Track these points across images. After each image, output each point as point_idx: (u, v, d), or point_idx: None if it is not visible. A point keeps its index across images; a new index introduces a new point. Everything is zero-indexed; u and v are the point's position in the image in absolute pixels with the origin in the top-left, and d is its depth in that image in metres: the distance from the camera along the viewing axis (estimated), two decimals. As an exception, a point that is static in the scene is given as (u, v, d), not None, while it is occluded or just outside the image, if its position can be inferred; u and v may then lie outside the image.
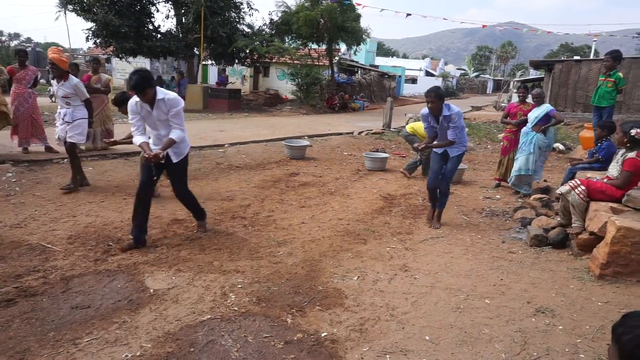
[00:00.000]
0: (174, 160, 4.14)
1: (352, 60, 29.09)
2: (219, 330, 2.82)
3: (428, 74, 52.10)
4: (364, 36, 20.32)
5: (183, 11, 19.33)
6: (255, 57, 21.24)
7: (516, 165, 6.60)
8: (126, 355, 2.54)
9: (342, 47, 22.61)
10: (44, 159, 7.26)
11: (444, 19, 24.64)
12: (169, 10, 20.23)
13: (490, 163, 9.42)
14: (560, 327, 3.02)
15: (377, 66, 37.76)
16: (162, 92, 3.94)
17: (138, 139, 4.03)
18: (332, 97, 20.89)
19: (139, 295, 3.22)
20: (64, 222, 4.64)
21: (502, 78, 62.96)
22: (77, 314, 2.95)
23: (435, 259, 4.20)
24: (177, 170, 4.25)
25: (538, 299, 3.42)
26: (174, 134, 4.00)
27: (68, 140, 5.77)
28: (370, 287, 3.54)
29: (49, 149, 7.66)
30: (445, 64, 70.72)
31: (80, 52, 37.55)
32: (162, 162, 4.05)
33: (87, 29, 18.59)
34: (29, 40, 59.02)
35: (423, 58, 74.91)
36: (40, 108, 8.02)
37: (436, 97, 4.69)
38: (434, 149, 5.14)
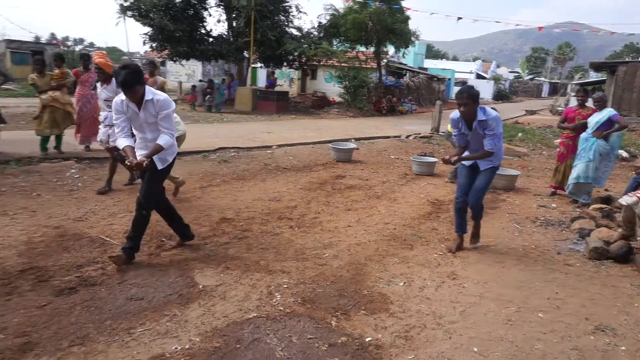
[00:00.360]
0: (159, 166, 3.77)
1: (401, 63, 28.76)
2: (264, 329, 2.86)
3: (479, 76, 50.63)
4: (412, 38, 20.05)
5: (234, 15, 19.84)
6: (303, 60, 21.46)
7: (574, 173, 6.27)
8: (175, 348, 2.62)
9: (391, 49, 22.43)
10: (104, 156, 7.65)
11: (497, 21, 23.93)
12: (221, 15, 20.85)
13: (545, 170, 9.01)
14: (623, 348, 2.84)
15: (426, 69, 37.12)
16: (151, 92, 3.59)
17: (121, 142, 3.66)
18: (379, 100, 20.74)
19: (189, 290, 3.33)
20: (121, 217, 4.87)
21: (558, 81, 60.18)
22: (132, 304, 3.08)
23: (485, 268, 4.07)
24: (155, 177, 3.81)
25: (597, 316, 3.23)
26: (162, 140, 3.61)
27: (111, 144, 5.72)
28: (417, 294, 3.48)
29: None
30: (498, 66, 68.42)
31: (137, 55, 39.40)
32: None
33: (144, 34, 19.51)
34: (92, 44, 62.58)
35: (474, 60, 72.87)
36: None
37: (469, 99, 3.94)
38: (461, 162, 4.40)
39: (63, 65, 7.92)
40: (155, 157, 3.72)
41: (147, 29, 19.18)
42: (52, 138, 7.59)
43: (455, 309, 3.27)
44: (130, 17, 19.20)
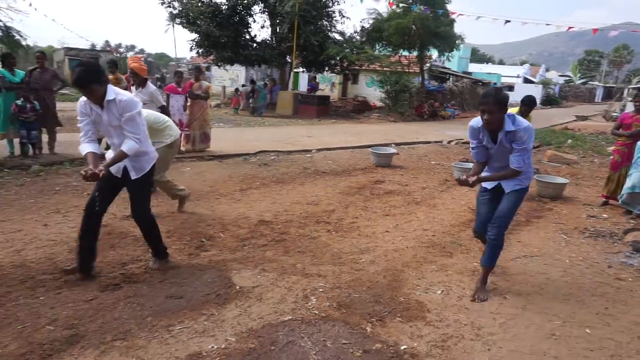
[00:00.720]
0: (133, 176, 3.44)
1: (444, 67, 28.25)
2: (299, 332, 2.87)
3: (527, 80, 48.91)
4: (457, 42, 19.68)
5: (278, 21, 20.17)
6: (345, 65, 21.51)
7: (629, 182, 5.92)
8: (212, 347, 2.68)
9: (434, 53, 22.07)
10: (150, 158, 7.97)
11: (547, 24, 23.03)
12: (265, 21, 21.27)
13: (597, 179, 8.57)
14: (679, 369, 2.65)
15: (470, 73, 36.28)
16: (113, 92, 3.20)
17: (83, 148, 3.28)
18: (421, 104, 20.44)
19: (226, 290, 3.39)
20: (164, 217, 5.03)
21: (614, 85, 57.14)
22: (171, 303, 3.17)
23: (528, 279, 3.91)
24: (136, 188, 3.52)
25: (651, 334, 3.03)
26: (126, 146, 3.26)
27: None
28: (455, 303, 3.39)
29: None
30: (547, 70, 65.83)
31: (184, 61, 40.79)
32: (119, 177, 3.43)
33: (191, 40, 20.19)
34: (142, 51, 65.53)
35: (522, 64, 70.47)
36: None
37: (495, 104, 3.15)
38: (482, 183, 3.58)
39: (116, 71, 8.32)
40: (128, 165, 3.41)
41: (194, 36, 19.85)
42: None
43: (495, 320, 3.16)
44: (178, 24, 19.95)
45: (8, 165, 6.75)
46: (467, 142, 12.56)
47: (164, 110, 6.22)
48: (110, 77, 8.19)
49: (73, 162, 7.27)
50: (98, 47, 46.24)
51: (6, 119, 7.14)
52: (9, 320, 2.85)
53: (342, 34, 21.28)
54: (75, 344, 2.65)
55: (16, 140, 7.32)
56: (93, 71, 3.10)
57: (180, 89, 8.51)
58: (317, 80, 23.69)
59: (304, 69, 22.77)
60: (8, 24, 23.34)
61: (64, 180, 6.36)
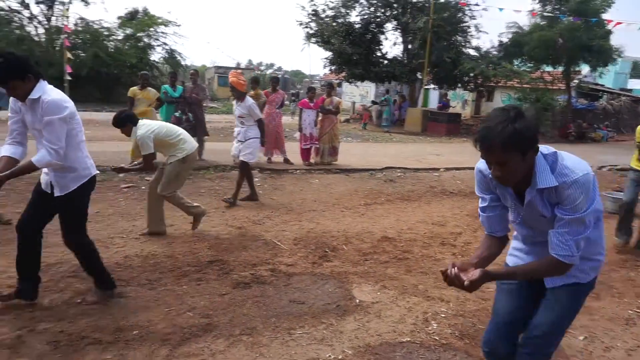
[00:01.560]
0: (56, 192, 2.92)
1: (596, 84, 25.21)
2: (416, 356, 2.76)
3: None
4: (614, 56, 17.43)
5: (410, 38, 20.12)
6: (479, 81, 20.52)
7: None
8: (329, 356, 2.72)
9: (584, 68, 19.86)
10: (282, 168, 8.52)
11: None
12: (397, 38, 21.41)
13: None
14: None
15: (630, 90, 31.78)
16: (40, 90, 2.72)
17: (2, 150, 2.84)
18: (566, 125, 18.50)
19: (346, 302, 3.42)
20: (292, 225, 5.30)
21: None
22: (294, 307, 3.31)
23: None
24: (61, 208, 2.98)
25: None
26: (36, 156, 2.76)
27: (240, 158, 6.02)
28: (601, 354, 2.95)
29: (286, 161, 8.95)
30: None
31: (317, 77, 42.92)
32: (48, 192, 2.95)
33: (324, 58, 21.24)
34: (279, 68, 70.53)
35: (699, 80, 59.55)
36: (283, 125, 9.43)
37: (505, 147, 1.63)
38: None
39: (257, 87, 9.09)
40: (53, 181, 2.93)
41: (328, 54, 20.82)
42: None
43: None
44: (314, 43, 21.13)
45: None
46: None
47: (260, 124, 6.07)
48: (252, 92, 8.96)
49: (217, 168, 8.08)
50: (242, 65, 51.10)
51: (167, 128, 8.25)
52: (159, 303, 3.25)
53: (477, 49, 20.39)
54: (209, 332, 2.91)
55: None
56: (12, 65, 2.64)
57: (312, 104, 8.94)
58: (448, 97, 22.97)
59: (435, 86, 22.29)
60: (172, 47, 27.05)
61: (209, 184, 7.10)
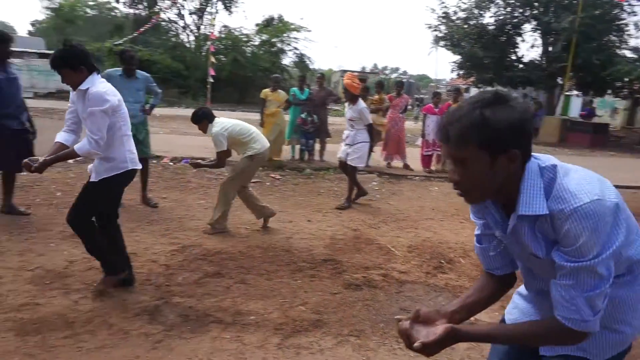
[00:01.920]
0: (91, 178, 3.08)
1: None
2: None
3: None
4: None
5: (551, 39, 18.37)
6: (636, 87, 17.92)
7: None
8: (439, 373, 2.60)
9: None
10: (401, 174, 8.42)
11: None
12: (535, 40, 19.68)
13: None
14: None
15: None
16: (90, 82, 2.89)
17: (57, 136, 3.05)
18: None
19: (460, 318, 3.24)
20: (407, 232, 5.19)
21: None
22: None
23: None
24: (87, 192, 3.10)
25: None
26: (79, 144, 2.94)
27: (349, 162, 5.92)
28: None
29: (406, 166, 8.82)
30: None
31: (443, 82, 41.50)
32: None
33: (453, 62, 20.41)
34: (404, 72, 69.70)
35: None
36: (405, 130, 9.30)
37: (462, 136, 1.17)
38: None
39: (382, 91, 9.11)
40: (93, 166, 3.10)
41: (457, 57, 19.99)
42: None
43: None
44: (442, 46, 20.47)
45: (289, 167, 8.18)
46: None
47: (370, 129, 6.00)
48: (375, 96, 9.01)
49: (336, 169, 8.26)
50: (367, 69, 51.62)
51: (292, 128, 8.71)
52: (275, 293, 3.43)
53: (636, 50, 17.80)
54: (318, 328, 2.98)
55: (297, 146, 8.85)
56: (68, 55, 2.86)
57: (437, 110, 8.67)
58: (594, 105, 20.49)
59: (578, 92, 20.04)
60: (302, 52, 28.45)
61: (328, 184, 7.31)
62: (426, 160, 8.79)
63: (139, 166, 3.25)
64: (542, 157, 1.26)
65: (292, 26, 27.36)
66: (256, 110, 10.20)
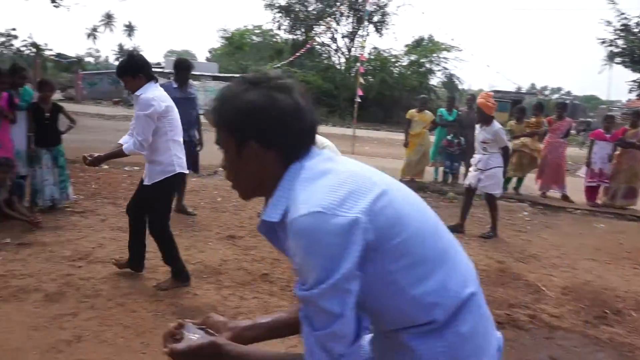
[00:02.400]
0: (145, 182, 3.31)
1: None
2: None
3: None
4: None
5: None
6: None
7: None
8: None
9: None
10: (559, 205, 7.53)
11: None
12: None
13: None
14: None
15: None
16: (144, 89, 3.16)
17: (120, 139, 3.39)
18: None
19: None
20: (562, 271, 4.60)
21: None
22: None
23: None
24: (145, 194, 3.34)
25: None
26: (127, 143, 3.23)
27: (482, 190, 5.57)
28: None
29: (565, 198, 7.86)
30: None
31: (618, 104, 36.19)
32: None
33: (632, 81, 17.70)
34: (568, 93, 62.70)
35: None
36: (567, 157, 8.33)
37: (218, 116, 1.10)
38: None
39: (540, 114, 8.33)
40: (145, 170, 3.34)
41: (637, 75, 17.30)
42: (514, 179, 8.14)
43: None
44: (618, 63, 17.94)
45: (430, 189, 7.96)
46: None
47: (506, 152, 5.56)
48: (533, 119, 8.26)
49: (480, 195, 7.76)
50: (523, 90, 47.79)
51: (437, 150, 8.47)
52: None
53: None
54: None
55: (440, 169, 8.56)
56: (131, 63, 3.18)
57: (608, 135, 7.60)
58: None
59: None
60: (452, 72, 27.71)
61: (472, 210, 6.79)
62: (590, 192, 7.74)
63: (186, 170, 3.53)
64: (318, 156, 1.07)
65: (443, 46, 26.84)
66: (400, 130, 10.21)
